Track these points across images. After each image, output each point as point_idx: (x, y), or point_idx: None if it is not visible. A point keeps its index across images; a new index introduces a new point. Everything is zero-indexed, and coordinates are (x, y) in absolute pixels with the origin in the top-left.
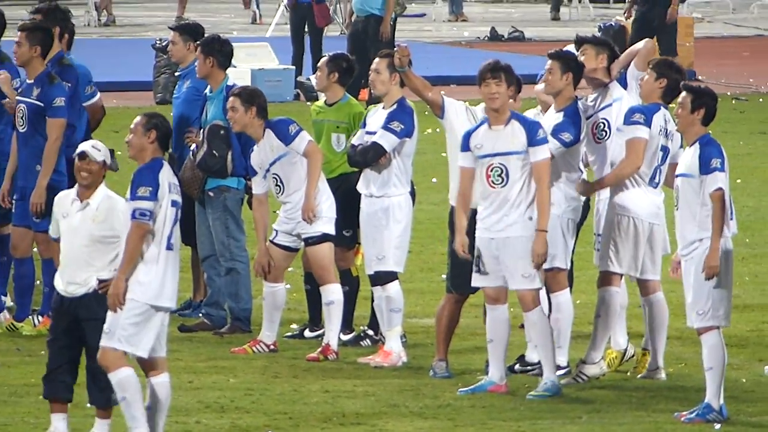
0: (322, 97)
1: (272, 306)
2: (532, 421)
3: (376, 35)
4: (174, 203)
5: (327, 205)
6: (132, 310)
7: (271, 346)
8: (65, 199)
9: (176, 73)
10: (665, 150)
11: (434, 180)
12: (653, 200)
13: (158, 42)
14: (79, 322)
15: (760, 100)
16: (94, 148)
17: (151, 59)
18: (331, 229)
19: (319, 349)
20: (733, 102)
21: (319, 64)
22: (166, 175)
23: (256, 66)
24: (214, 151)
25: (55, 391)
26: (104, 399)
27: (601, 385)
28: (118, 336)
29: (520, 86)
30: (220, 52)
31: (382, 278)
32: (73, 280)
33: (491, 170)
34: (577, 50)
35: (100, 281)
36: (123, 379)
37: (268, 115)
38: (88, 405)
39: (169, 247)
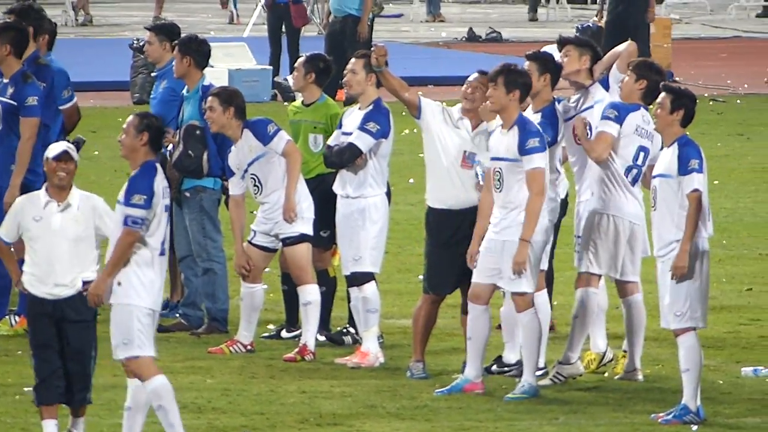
0: (300, 98)
1: (250, 307)
2: (510, 422)
3: (353, 35)
4: (166, 208)
5: (305, 205)
6: (141, 317)
7: (248, 347)
8: (35, 201)
9: (153, 74)
10: (645, 150)
11: (411, 181)
12: (634, 200)
13: (135, 42)
14: (63, 323)
15: (738, 101)
16: (70, 149)
17: (128, 59)
18: (309, 230)
19: (296, 350)
20: (711, 103)
21: (296, 65)
22: (160, 180)
23: (234, 66)
24: (190, 152)
25: (50, 398)
26: (80, 399)
27: (578, 386)
28: (137, 344)
29: (525, 89)
30: (197, 51)
31: (358, 279)
32: (60, 281)
33: (494, 173)
34: (560, 51)
35: (85, 282)
36: (159, 386)
37: (246, 116)
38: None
39: (162, 253)
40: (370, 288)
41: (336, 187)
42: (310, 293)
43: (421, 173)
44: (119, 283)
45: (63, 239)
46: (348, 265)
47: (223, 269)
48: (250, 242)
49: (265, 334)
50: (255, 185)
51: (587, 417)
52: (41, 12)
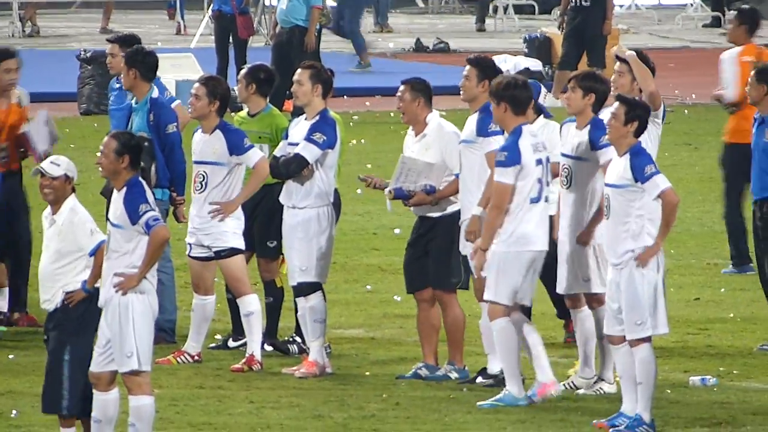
0: (246, 108)
1: (201, 318)
2: (457, 431)
3: (300, 46)
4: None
5: (238, 222)
6: (150, 329)
7: (196, 357)
8: (44, 216)
9: (116, 85)
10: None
11: (359, 191)
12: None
13: (83, 53)
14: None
15: (686, 111)
16: (52, 163)
17: (75, 70)
18: (240, 244)
19: (243, 360)
20: None
21: (238, 77)
22: (149, 193)
23: (181, 77)
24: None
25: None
26: (51, 407)
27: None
28: (144, 360)
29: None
30: (143, 63)
31: (305, 289)
32: (44, 296)
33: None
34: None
35: (67, 293)
36: (146, 406)
37: (224, 114)
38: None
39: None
40: (315, 298)
41: (282, 198)
42: (251, 304)
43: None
44: (143, 292)
45: (48, 253)
46: (295, 275)
47: (171, 280)
48: (189, 256)
49: (213, 345)
50: (201, 182)
51: (535, 427)
52: None
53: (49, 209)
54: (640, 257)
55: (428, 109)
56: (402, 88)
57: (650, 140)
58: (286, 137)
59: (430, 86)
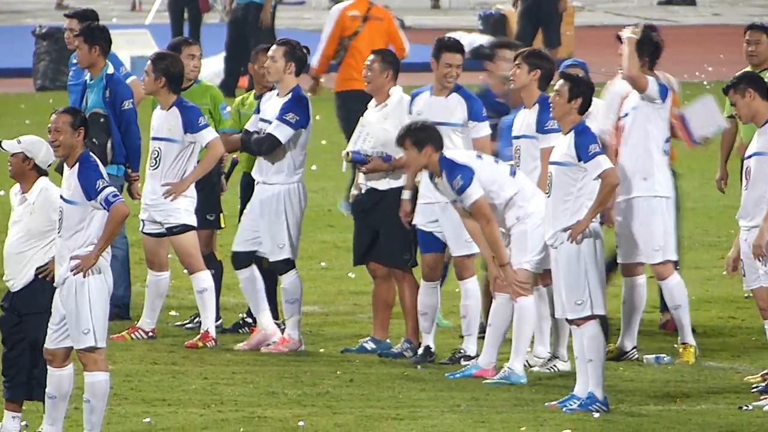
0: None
1: (155, 294)
2: (411, 409)
3: (255, 23)
4: None
5: (190, 200)
6: (106, 306)
7: (150, 333)
8: (14, 193)
9: (74, 61)
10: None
11: (314, 167)
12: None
13: (38, 29)
14: (21, 317)
15: None
16: (17, 141)
17: (31, 46)
18: (192, 221)
19: (198, 336)
20: None
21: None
22: (102, 167)
23: (136, 53)
24: (94, 139)
25: (16, 394)
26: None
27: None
28: (100, 336)
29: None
30: (105, 40)
31: (279, 268)
32: (11, 274)
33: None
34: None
35: (38, 268)
36: (101, 382)
37: (180, 90)
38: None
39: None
40: (288, 278)
41: (254, 173)
42: (204, 280)
43: (324, 160)
44: (99, 271)
45: (16, 230)
46: (274, 252)
47: (125, 256)
48: (142, 232)
49: (180, 323)
50: (155, 158)
51: (489, 405)
52: None
53: (18, 186)
54: (571, 232)
55: (393, 82)
56: (372, 57)
57: (651, 123)
58: (258, 111)
59: (398, 61)
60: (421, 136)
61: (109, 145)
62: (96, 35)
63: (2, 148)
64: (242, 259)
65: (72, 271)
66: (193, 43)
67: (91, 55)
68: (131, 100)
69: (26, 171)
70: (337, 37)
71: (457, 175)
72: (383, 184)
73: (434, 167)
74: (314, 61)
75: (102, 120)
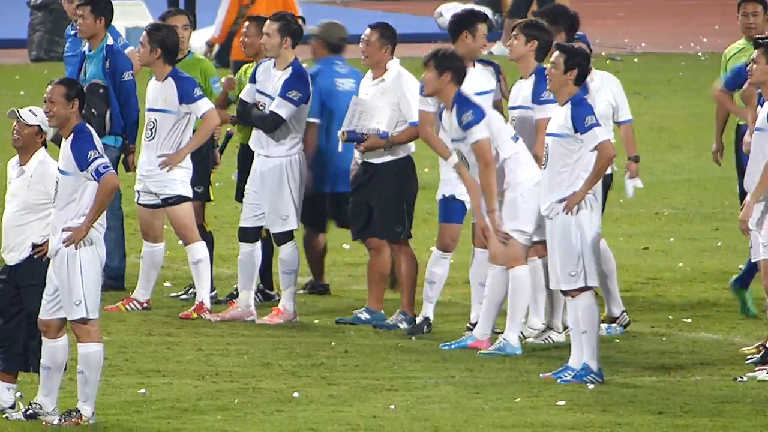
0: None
1: (150, 265)
2: (406, 380)
3: None
4: None
5: (186, 171)
6: (98, 278)
7: (145, 304)
8: (11, 166)
9: (72, 32)
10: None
11: None
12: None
13: (33, 0)
14: (19, 289)
15: (635, 60)
16: (30, 111)
17: (25, 17)
18: (187, 192)
19: (193, 308)
20: (608, 62)
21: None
22: (97, 138)
23: (131, 24)
24: (93, 110)
25: (11, 365)
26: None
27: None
28: (91, 307)
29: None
30: (110, 11)
31: (278, 239)
32: (9, 247)
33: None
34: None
35: (34, 245)
36: (95, 353)
37: (175, 61)
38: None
39: None
40: (286, 249)
41: (253, 145)
42: (199, 251)
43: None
44: (91, 242)
45: (14, 203)
46: (275, 224)
47: (120, 227)
48: (137, 203)
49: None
50: (151, 129)
51: (483, 375)
52: None
53: (17, 159)
54: (567, 203)
55: (391, 56)
56: (369, 31)
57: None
58: (253, 81)
59: (396, 34)
60: (446, 62)
61: (108, 115)
62: (102, 6)
63: (20, 116)
64: (249, 234)
65: (64, 242)
66: (178, 13)
67: (96, 25)
68: (131, 72)
69: (35, 143)
70: (237, 6)
71: (468, 110)
72: (377, 157)
73: (447, 97)
74: (216, 30)
75: (101, 91)
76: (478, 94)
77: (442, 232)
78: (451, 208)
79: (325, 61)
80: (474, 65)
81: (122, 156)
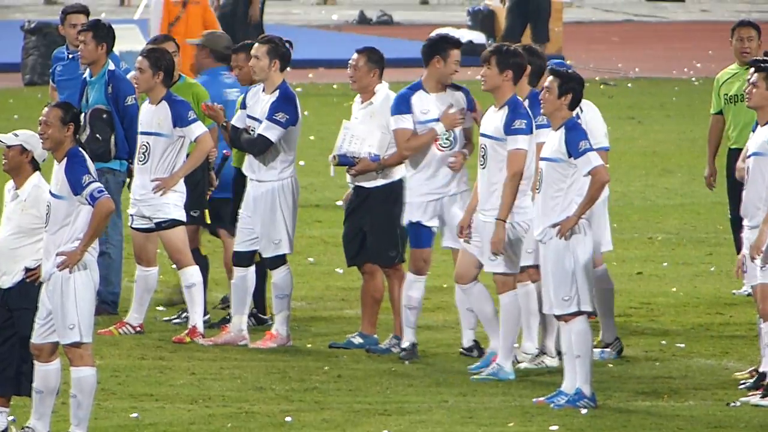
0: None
1: (143, 289)
2: (399, 404)
3: (244, 18)
4: None
5: (179, 195)
6: (92, 302)
7: (138, 328)
8: (7, 189)
9: (69, 55)
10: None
11: (302, 163)
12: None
13: (27, 24)
14: (11, 312)
15: (629, 85)
16: (12, 134)
17: (19, 41)
18: (181, 216)
19: (186, 332)
20: (602, 87)
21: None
22: (90, 163)
23: (125, 48)
24: (98, 135)
25: (4, 390)
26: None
27: (468, 372)
28: (85, 331)
29: (518, 70)
30: (111, 37)
31: (270, 264)
32: (2, 271)
33: (480, 149)
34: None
35: (27, 269)
36: (88, 377)
37: (171, 83)
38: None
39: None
40: (279, 274)
41: (245, 170)
42: (192, 275)
43: (312, 155)
44: (85, 266)
45: (8, 227)
46: (268, 248)
47: (119, 253)
48: (131, 227)
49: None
50: (144, 153)
51: (476, 400)
52: None
53: (12, 182)
54: (560, 228)
55: (379, 80)
56: (356, 56)
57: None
58: (244, 107)
59: (384, 58)
60: (509, 60)
61: (112, 140)
62: (104, 32)
63: (1, 140)
64: (243, 258)
65: (58, 267)
66: (166, 39)
67: (97, 51)
68: (134, 96)
69: (23, 164)
70: (167, 24)
71: (523, 120)
72: (369, 180)
73: (503, 95)
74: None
75: (105, 116)
76: (429, 121)
77: (413, 256)
78: (420, 233)
79: (212, 72)
80: (445, 90)
81: (128, 180)
